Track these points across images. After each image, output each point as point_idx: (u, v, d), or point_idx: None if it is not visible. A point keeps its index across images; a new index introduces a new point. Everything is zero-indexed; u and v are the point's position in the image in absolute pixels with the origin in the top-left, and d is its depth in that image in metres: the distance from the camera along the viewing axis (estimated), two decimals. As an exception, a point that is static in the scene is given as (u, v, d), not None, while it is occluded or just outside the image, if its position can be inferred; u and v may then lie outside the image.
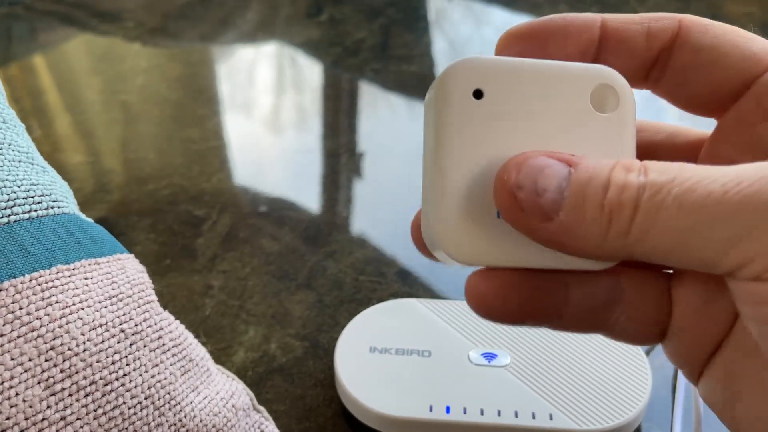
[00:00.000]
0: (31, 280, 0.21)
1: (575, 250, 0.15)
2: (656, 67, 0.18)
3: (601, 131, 0.17)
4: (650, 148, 0.20)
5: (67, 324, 0.21)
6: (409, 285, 0.41)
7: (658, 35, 0.17)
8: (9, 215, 0.22)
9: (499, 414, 0.30)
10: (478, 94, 0.17)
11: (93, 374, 0.21)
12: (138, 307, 0.24)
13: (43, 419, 0.20)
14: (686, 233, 0.13)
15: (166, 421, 0.23)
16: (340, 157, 0.54)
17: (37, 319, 0.21)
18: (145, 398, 0.23)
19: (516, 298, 0.17)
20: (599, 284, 0.18)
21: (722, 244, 0.13)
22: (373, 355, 0.33)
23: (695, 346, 0.18)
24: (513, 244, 0.17)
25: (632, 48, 0.18)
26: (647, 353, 0.34)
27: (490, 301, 0.17)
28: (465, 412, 0.30)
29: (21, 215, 0.22)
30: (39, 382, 0.20)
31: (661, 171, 0.14)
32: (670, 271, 0.18)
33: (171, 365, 0.24)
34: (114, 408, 0.22)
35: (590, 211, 0.14)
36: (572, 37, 0.18)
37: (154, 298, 0.25)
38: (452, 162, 0.17)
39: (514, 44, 0.18)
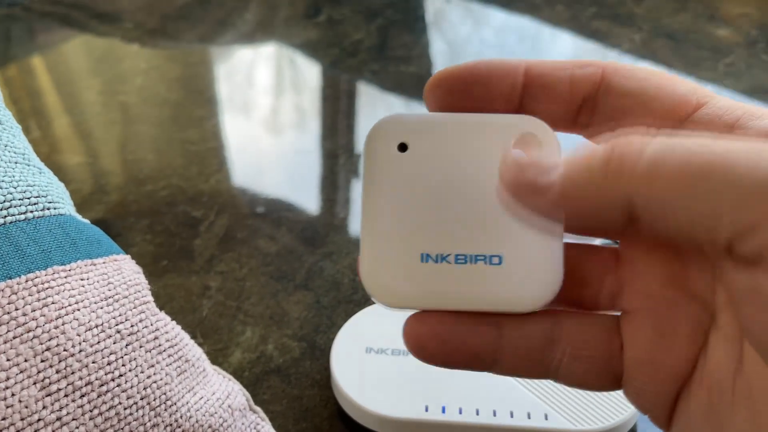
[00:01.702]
0: (27, 281, 0.21)
1: (579, 202, 0.15)
2: (583, 112, 0.18)
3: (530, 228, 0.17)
4: None
5: (63, 325, 0.21)
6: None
7: (582, 82, 0.18)
8: (5, 216, 0.22)
9: (494, 414, 0.30)
10: (402, 148, 0.18)
11: (89, 375, 0.21)
12: (134, 308, 0.24)
13: (38, 419, 0.20)
14: (688, 189, 0.13)
15: (162, 421, 0.23)
16: (339, 157, 0.54)
17: (33, 320, 0.21)
18: (141, 399, 0.23)
19: (450, 340, 0.17)
20: (535, 325, 0.17)
21: (724, 207, 0.13)
22: (369, 355, 0.33)
23: (657, 383, 0.17)
24: (438, 287, 0.17)
25: (556, 94, 0.18)
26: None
27: (425, 343, 0.17)
28: (461, 413, 0.30)
29: (17, 216, 0.22)
30: (35, 383, 0.20)
31: (665, 135, 0.14)
32: (617, 313, 0.18)
33: (167, 366, 0.24)
34: (110, 408, 0.22)
35: (598, 154, 0.14)
36: (495, 84, 0.18)
37: (150, 298, 0.25)
38: (376, 210, 0.17)
39: (440, 89, 0.18)
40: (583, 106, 0.18)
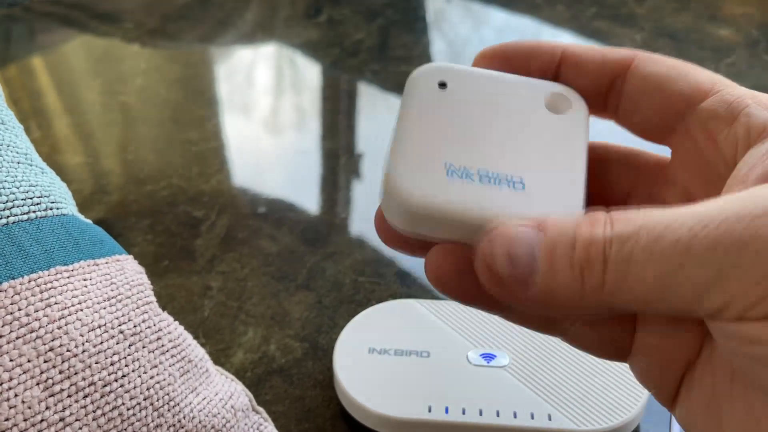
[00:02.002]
0: (29, 282, 0.21)
1: (560, 309, 0.15)
2: (612, 94, 0.19)
3: (554, 129, 0.19)
4: (604, 168, 0.21)
5: (65, 325, 0.21)
6: (408, 286, 0.41)
7: (613, 62, 0.19)
8: (8, 216, 0.22)
9: (497, 414, 0.30)
10: (442, 86, 0.19)
11: (92, 375, 0.21)
12: (137, 308, 0.24)
13: (41, 420, 0.20)
14: (660, 281, 0.14)
15: (165, 422, 0.23)
16: (339, 158, 0.54)
17: (35, 320, 0.21)
18: (144, 399, 0.23)
19: (470, 278, 0.17)
20: None
21: (697, 289, 0.13)
22: (372, 355, 0.33)
23: (662, 365, 0.17)
24: (460, 199, 0.17)
25: (587, 71, 0.19)
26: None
27: (445, 277, 0.18)
28: (464, 413, 0.30)
29: (20, 216, 0.22)
30: (38, 384, 0.20)
31: (626, 221, 0.14)
32: None
33: (170, 366, 0.24)
34: (113, 409, 0.22)
35: (562, 272, 0.15)
36: (534, 58, 0.20)
37: (153, 299, 0.25)
38: (409, 130, 0.18)
39: (484, 60, 0.20)
40: (613, 86, 0.19)
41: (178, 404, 0.24)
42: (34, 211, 0.23)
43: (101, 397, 0.21)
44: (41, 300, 0.21)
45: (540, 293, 0.15)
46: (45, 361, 0.20)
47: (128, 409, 0.22)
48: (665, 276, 0.13)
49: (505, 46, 0.20)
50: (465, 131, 0.18)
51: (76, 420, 0.21)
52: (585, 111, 0.19)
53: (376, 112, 0.61)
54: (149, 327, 0.24)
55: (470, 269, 0.17)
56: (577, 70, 0.19)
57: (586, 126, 0.19)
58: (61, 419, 0.20)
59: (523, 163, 0.18)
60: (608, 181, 0.21)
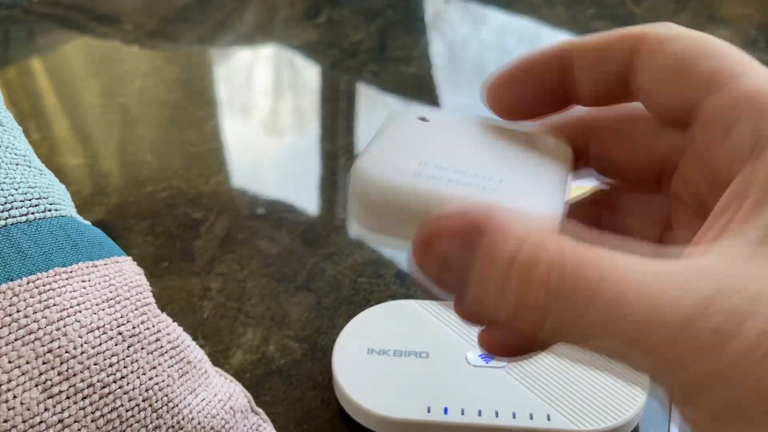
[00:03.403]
0: (28, 283, 0.21)
1: (490, 320, 0.15)
2: (631, 86, 0.18)
3: (536, 151, 0.18)
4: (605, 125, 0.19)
5: (64, 327, 0.21)
6: (407, 286, 0.41)
7: (618, 58, 0.17)
8: (6, 218, 0.22)
9: (497, 415, 0.30)
10: (422, 120, 0.19)
11: (90, 377, 0.21)
12: (135, 309, 0.24)
13: (40, 422, 0.20)
14: (588, 339, 0.13)
15: (164, 423, 0.23)
16: (339, 158, 0.54)
17: (34, 321, 0.21)
18: (143, 401, 0.23)
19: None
20: None
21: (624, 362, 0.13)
22: (371, 356, 0.33)
23: None
24: (432, 189, 0.16)
25: (596, 75, 0.18)
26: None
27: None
28: (463, 413, 0.30)
29: (18, 218, 0.22)
30: (36, 385, 0.20)
31: (563, 283, 0.13)
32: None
33: (169, 367, 0.24)
34: (112, 410, 0.22)
35: (494, 300, 0.13)
36: (546, 76, 0.18)
37: (152, 300, 0.25)
38: (388, 135, 0.18)
39: (498, 91, 0.19)
40: (628, 80, 0.18)
41: (177, 405, 0.24)
42: (33, 213, 0.23)
43: (100, 398, 0.21)
44: (40, 301, 0.21)
45: (472, 304, 0.14)
46: (43, 363, 0.20)
47: (127, 411, 0.22)
48: (591, 340, 0.13)
49: (510, 72, 0.19)
50: (444, 142, 0.18)
51: (75, 422, 0.21)
52: (568, 153, 0.18)
53: (375, 113, 0.61)
54: (148, 328, 0.24)
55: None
56: (586, 73, 0.18)
57: (569, 161, 0.18)
58: (60, 421, 0.20)
59: (502, 168, 0.17)
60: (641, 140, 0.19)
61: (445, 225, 0.14)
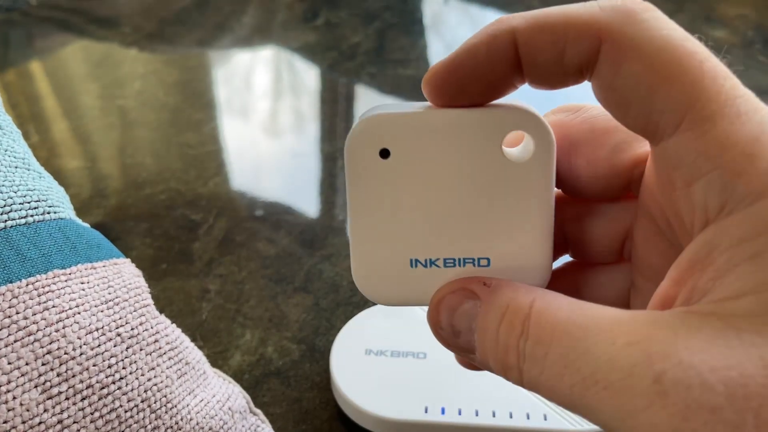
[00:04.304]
0: (27, 285, 0.21)
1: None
2: (579, 71, 0.16)
3: (515, 182, 0.17)
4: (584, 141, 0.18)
5: (63, 328, 0.21)
6: (405, 287, 0.41)
7: (574, 60, 0.15)
8: (5, 221, 0.22)
9: (493, 415, 0.30)
10: (384, 153, 0.17)
11: (90, 378, 0.21)
12: (134, 311, 0.24)
13: (40, 423, 0.20)
14: (566, 404, 0.14)
15: (163, 423, 0.23)
16: (337, 160, 0.54)
17: (33, 323, 0.21)
18: (142, 401, 0.23)
19: None
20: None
21: (597, 420, 0.13)
22: (368, 357, 0.33)
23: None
24: (429, 288, 0.18)
25: (547, 73, 0.16)
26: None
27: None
28: (460, 414, 0.30)
29: (17, 220, 0.23)
30: (36, 386, 0.20)
31: (536, 337, 0.14)
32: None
33: (167, 368, 0.24)
34: (111, 411, 0.22)
35: (491, 359, 0.16)
36: (487, 73, 0.16)
37: (150, 302, 0.25)
38: (363, 216, 0.17)
39: (433, 91, 0.17)
40: (575, 70, 0.15)
41: (176, 406, 0.24)
42: (32, 215, 0.23)
43: (99, 399, 0.22)
44: (39, 303, 0.21)
45: (479, 363, 0.16)
46: (43, 364, 0.21)
47: (126, 411, 0.22)
48: (570, 401, 0.14)
49: (444, 68, 0.16)
50: (420, 214, 0.17)
51: (74, 422, 0.21)
52: (551, 148, 0.17)
53: (373, 114, 0.61)
54: (146, 330, 0.24)
55: None
56: (536, 70, 0.16)
57: (551, 166, 0.17)
58: (59, 422, 0.21)
59: (486, 239, 0.17)
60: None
61: (448, 301, 0.17)
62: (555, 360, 0.14)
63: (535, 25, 0.15)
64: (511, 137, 0.17)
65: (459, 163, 0.17)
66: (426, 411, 0.30)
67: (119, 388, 0.22)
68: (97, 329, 0.22)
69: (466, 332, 0.16)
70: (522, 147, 0.17)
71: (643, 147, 0.17)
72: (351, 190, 0.17)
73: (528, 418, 0.30)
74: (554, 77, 0.16)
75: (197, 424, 0.25)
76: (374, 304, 0.37)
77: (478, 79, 0.16)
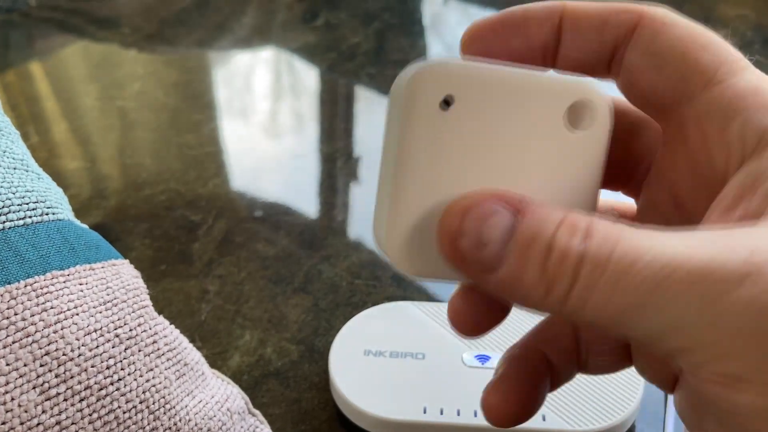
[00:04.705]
0: (26, 286, 0.21)
1: (515, 301, 0.15)
2: (614, 61, 0.17)
3: (570, 151, 0.17)
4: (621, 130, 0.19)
5: (62, 329, 0.21)
6: (404, 288, 0.41)
7: (614, 28, 0.17)
8: (4, 222, 0.22)
9: (492, 416, 0.30)
10: (446, 103, 0.16)
11: (88, 379, 0.21)
12: (133, 312, 0.24)
13: (38, 424, 0.20)
14: (622, 313, 0.13)
15: (161, 425, 0.23)
16: (336, 161, 0.54)
17: (32, 324, 0.21)
18: (140, 402, 0.23)
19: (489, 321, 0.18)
20: (561, 327, 0.20)
21: (654, 331, 0.13)
22: (367, 358, 0.33)
23: (653, 367, 0.18)
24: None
25: (587, 40, 0.17)
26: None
27: (467, 320, 0.18)
28: (458, 414, 0.30)
29: (16, 222, 0.23)
30: (34, 387, 0.20)
31: (603, 239, 0.13)
32: None
33: (166, 369, 0.24)
34: (109, 412, 0.22)
35: (531, 272, 0.14)
36: (532, 30, 0.17)
37: (149, 303, 0.25)
38: (412, 176, 0.16)
39: (478, 39, 0.18)
40: (615, 55, 0.17)
41: (174, 407, 0.24)
42: (31, 217, 0.23)
43: (97, 400, 0.22)
44: (37, 304, 0.21)
45: (500, 283, 0.14)
46: (41, 365, 0.21)
47: (124, 413, 0.22)
48: (627, 310, 0.13)
49: (497, 19, 0.17)
50: (471, 178, 0.16)
51: (73, 423, 0.21)
52: (608, 124, 0.17)
53: (373, 115, 0.61)
54: (145, 331, 0.24)
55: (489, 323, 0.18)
56: (576, 38, 0.17)
57: (606, 142, 0.17)
58: (58, 423, 0.21)
59: (533, 184, 0.17)
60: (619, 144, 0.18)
61: (480, 209, 0.15)
62: (625, 253, 0.13)
63: (579, 3, 0.17)
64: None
65: (519, 124, 0.16)
66: (425, 411, 0.30)
67: (117, 389, 0.22)
68: (95, 330, 0.22)
69: (495, 244, 0.14)
70: (579, 118, 0.17)
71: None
72: (400, 140, 0.16)
73: (527, 418, 0.30)
74: (592, 49, 0.17)
75: (196, 425, 0.25)
76: (374, 304, 0.37)
77: (521, 36, 0.17)
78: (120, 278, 0.25)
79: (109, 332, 0.23)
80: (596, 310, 0.13)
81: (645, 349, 0.15)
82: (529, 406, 0.19)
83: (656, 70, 0.16)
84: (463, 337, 0.19)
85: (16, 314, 0.21)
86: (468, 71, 0.16)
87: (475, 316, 0.18)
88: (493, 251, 0.14)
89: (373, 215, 0.17)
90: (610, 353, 0.19)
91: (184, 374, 0.25)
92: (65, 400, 0.21)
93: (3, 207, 0.22)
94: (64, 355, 0.21)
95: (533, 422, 0.30)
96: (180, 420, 0.24)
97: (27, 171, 0.25)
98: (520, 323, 0.33)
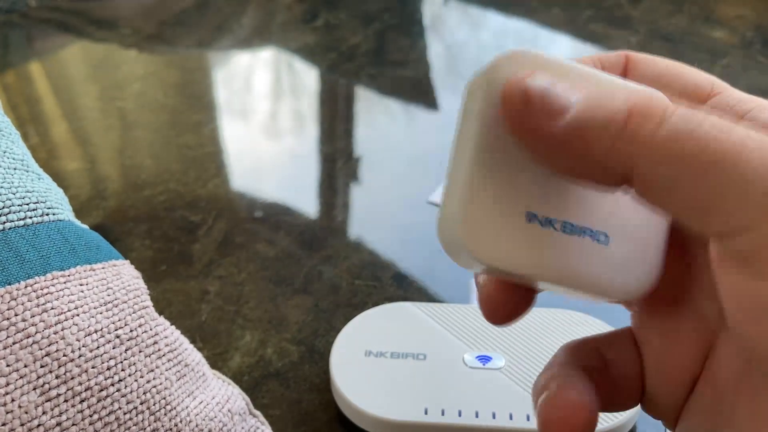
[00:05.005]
0: (26, 287, 0.21)
1: (579, 152, 0.14)
2: None
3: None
4: None
5: (62, 330, 0.21)
6: (404, 289, 0.41)
7: (608, 65, 0.19)
8: (4, 222, 0.22)
9: (494, 416, 0.30)
10: None
11: (88, 380, 0.21)
12: (133, 312, 0.24)
13: (38, 425, 0.20)
14: (701, 171, 0.13)
15: (162, 426, 0.23)
16: (337, 161, 0.54)
17: (32, 325, 0.21)
18: (141, 403, 0.23)
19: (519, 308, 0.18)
20: None
21: (733, 197, 0.13)
22: (368, 358, 0.33)
23: (667, 386, 0.18)
24: (540, 252, 0.16)
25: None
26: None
27: (499, 307, 0.18)
28: (460, 415, 0.30)
29: (16, 222, 0.22)
30: (35, 388, 0.20)
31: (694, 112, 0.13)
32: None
33: (166, 370, 0.24)
34: (110, 413, 0.22)
35: (611, 106, 0.14)
36: None
37: (150, 303, 0.25)
38: (486, 162, 0.16)
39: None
40: None
41: (175, 408, 0.24)
42: (31, 217, 0.23)
43: (98, 401, 0.22)
44: (38, 305, 0.21)
45: (568, 126, 0.14)
46: (42, 366, 0.21)
47: (125, 413, 0.22)
48: (700, 174, 0.13)
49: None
50: (548, 172, 0.16)
51: (73, 424, 0.21)
52: None
53: (373, 116, 0.61)
54: (145, 331, 0.24)
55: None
56: None
57: None
58: (58, 424, 0.20)
59: (610, 214, 0.16)
60: None
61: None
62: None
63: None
64: None
65: None
66: (426, 412, 0.30)
67: (118, 390, 0.22)
68: (96, 331, 0.22)
69: (566, 89, 0.14)
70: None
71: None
72: (480, 127, 0.15)
73: (528, 419, 0.30)
74: None
75: (196, 426, 0.25)
76: (374, 305, 0.37)
77: None
78: (120, 279, 0.25)
79: (109, 333, 0.23)
80: (674, 163, 0.13)
81: (695, 213, 0.14)
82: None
83: (659, 88, 0.17)
84: (495, 324, 0.18)
85: (16, 315, 0.21)
86: (550, 61, 0.16)
87: (506, 303, 0.17)
88: (562, 93, 0.14)
89: (441, 205, 0.17)
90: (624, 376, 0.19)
91: (185, 375, 0.25)
92: (66, 401, 0.21)
93: (3, 207, 0.22)
94: (64, 356, 0.21)
95: (534, 423, 0.30)
96: (181, 421, 0.24)
97: (27, 171, 0.25)
98: (520, 323, 0.33)
